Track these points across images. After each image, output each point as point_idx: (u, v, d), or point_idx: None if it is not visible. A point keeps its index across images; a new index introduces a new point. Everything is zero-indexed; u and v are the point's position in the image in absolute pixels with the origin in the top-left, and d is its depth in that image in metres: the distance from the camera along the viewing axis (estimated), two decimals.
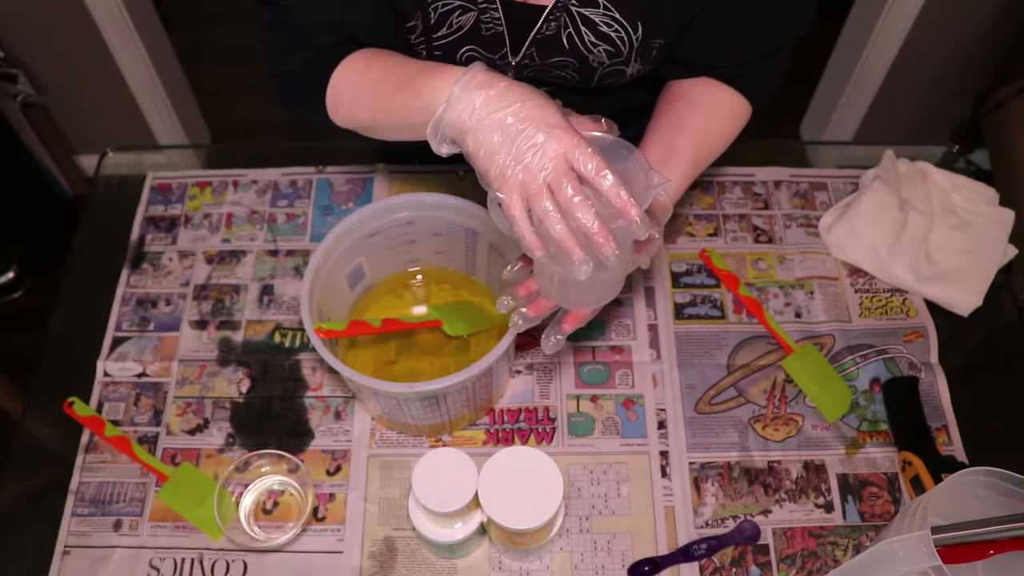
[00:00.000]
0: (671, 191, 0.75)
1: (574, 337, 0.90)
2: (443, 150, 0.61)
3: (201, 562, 0.79)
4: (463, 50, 0.76)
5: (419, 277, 0.92)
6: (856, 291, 0.95)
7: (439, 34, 0.74)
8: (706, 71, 0.80)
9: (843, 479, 0.83)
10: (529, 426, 0.86)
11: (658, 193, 0.64)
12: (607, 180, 0.55)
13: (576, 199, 0.55)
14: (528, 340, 0.91)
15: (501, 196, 0.58)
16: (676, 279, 0.95)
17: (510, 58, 0.76)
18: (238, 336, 0.92)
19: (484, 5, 0.72)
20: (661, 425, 0.86)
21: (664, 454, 0.85)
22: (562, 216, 0.56)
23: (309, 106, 0.75)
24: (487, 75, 0.59)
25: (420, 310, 0.90)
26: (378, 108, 0.68)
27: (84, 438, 0.86)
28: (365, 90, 0.70)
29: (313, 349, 0.81)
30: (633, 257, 0.67)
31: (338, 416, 0.87)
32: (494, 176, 0.58)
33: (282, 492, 0.83)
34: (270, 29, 0.75)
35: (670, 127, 0.78)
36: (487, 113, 0.57)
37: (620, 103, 0.89)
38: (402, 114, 0.65)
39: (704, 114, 0.79)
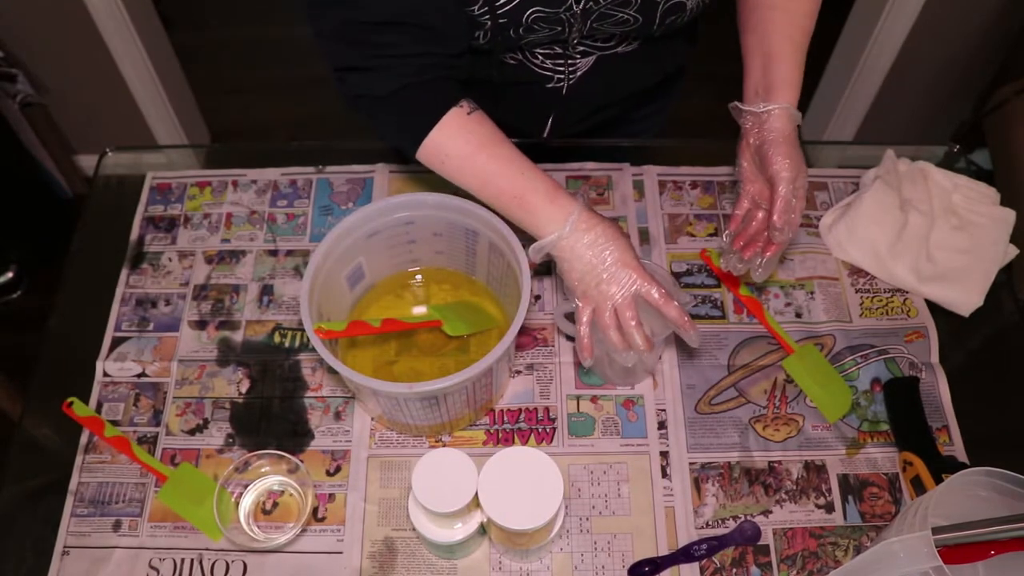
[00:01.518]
0: (791, 92, 0.79)
1: (573, 337, 0.90)
2: (538, 259, 0.77)
3: (200, 562, 0.79)
4: (528, 13, 0.75)
5: (419, 277, 0.92)
6: (857, 291, 0.95)
7: (500, 3, 0.74)
8: None
9: (844, 479, 0.83)
10: (529, 426, 0.86)
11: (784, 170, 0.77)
12: (672, 307, 0.75)
13: (633, 323, 0.74)
14: (528, 340, 0.91)
15: (578, 303, 0.77)
16: (676, 279, 0.95)
17: (575, 7, 0.76)
18: (238, 336, 0.92)
19: None
20: (661, 425, 0.86)
21: (664, 454, 0.84)
22: (615, 330, 0.75)
23: (397, 138, 0.80)
24: (589, 217, 0.74)
25: (420, 310, 0.90)
26: (485, 196, 0.78)
27: (83, 438, 0.86)
28: (470, 175, 0.77)
29: (313, 349, 0.81)
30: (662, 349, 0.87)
31: (338, 416, 0.87)
32: (579, 292, 0.77)
33: (282, 492, 0.83)
34: (340, 43, 0.74)
35: (760, 39, 0.81)
36: (585, 249, 0.74)
37: (670, 60, 0.94)
38: (510, 214, 0.77)
39: (784, 9, 0.81)
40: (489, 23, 0.76)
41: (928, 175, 0.97)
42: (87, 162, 2.16)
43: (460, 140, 0.76)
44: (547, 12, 0.76)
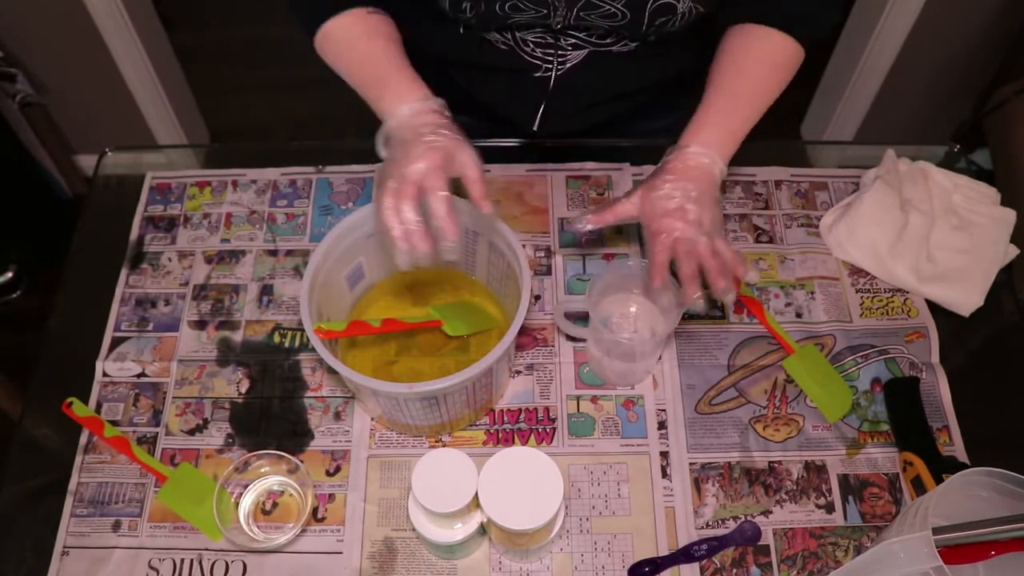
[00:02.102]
0: (728, 145, 0.80)
1: (574, 338, 0.90)
2: (379, 148, 0.75)
3: (200, 563, 0.79)
4: None
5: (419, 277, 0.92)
6: (857, 291, 0.95)
7: None
8: (756, 13, 0.82)
9: (844, 479, 0.83)
10: (529, 426, 0.86)
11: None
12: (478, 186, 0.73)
13: (442, 193, 0.70)
14: (528, 340, 0.91)
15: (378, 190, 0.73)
16: (677, 279, 0.95)
17: None
18: (237, 336, 0.92)
19: None
20: (661, 425, 0.86)
21: (664, 454, 0.84)
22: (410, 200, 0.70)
23: (300, 18, 0.83)
24: (431, 111, 0.74)
25: (420, 310, 0.90)
26: (350, 81, 0.80)
27: (83, 438, 0.86)
28: (343, 62, 0.81)
29: (313, 349, 0.81)
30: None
31: (338, 416, 0.87)
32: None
33: (281, 493, 0.83)
34: None
35: (725, 85, 0.81)
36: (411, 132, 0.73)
37: (673, 61, 0.92)
38: (369, 101, 0.78)
39: (761, 61, 0.82)
40: (470, 11, 0.77)
41: (928, 175, 0.97)
42: (87, 162, 2.15)
43: (347, 30, 0.80)
44: None
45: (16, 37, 1.82)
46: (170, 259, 0.98)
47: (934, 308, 0.94)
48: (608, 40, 0.86)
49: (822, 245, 0.98)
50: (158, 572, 0.79)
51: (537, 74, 0.90)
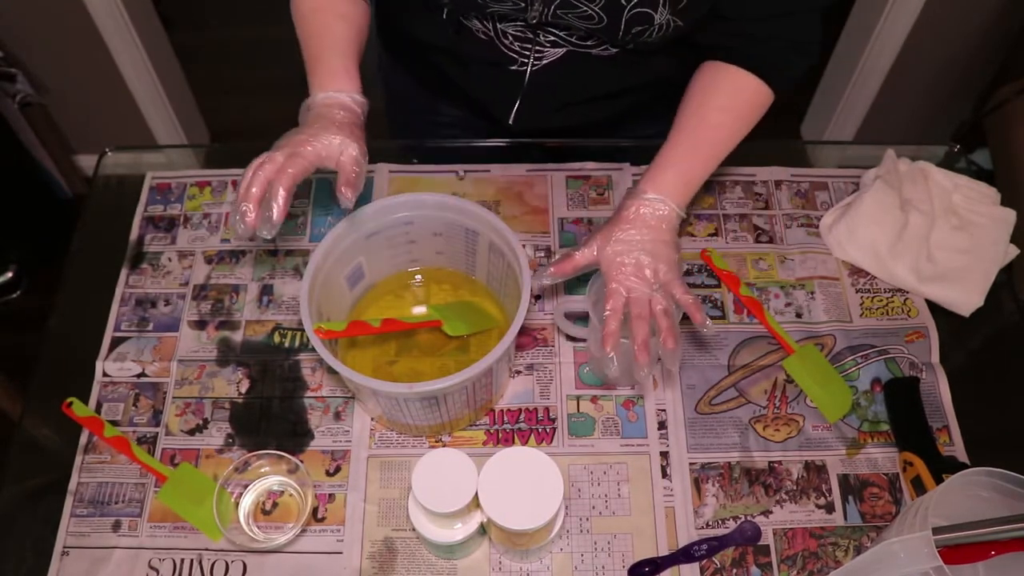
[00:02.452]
0: (685, 192, 0.81)
1: (574, 338, 0.90)
2: (300, 116, 0.78)
3: (200, 563, 0.79)
4: None
5: (419, 277, 0.92)
6: (857, 291, 0.95)
7: None
8: (731, 52, 0.82)
9: (844, 480, 0.83)
10: (529, 426, 0.86)
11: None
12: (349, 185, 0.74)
13: (290, 172, 0.71)
14: (528, 340, 0.91)
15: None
16: None
17: None
18: (237, 336, 0.92)
19: None
20: (661, 425, 0.86)
21: (664, 454, 0.84)
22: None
23: None
24: (335, 103, 0.76)
25: (420, 310, 0.90)
26: (302, 48, 0.82)
27: (83, 438, 0.86)
28: (299, 28, 0.84)
29: (313, 349, 0.81)
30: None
31: (338, 416, 0.87)
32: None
33: (281, 493, 0.83)
34: None
35: (689, 128, 0.82)
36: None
37: (652, 72, 0.91)
38: (306, 68, 0.81)
39: (726, 109, 0.82)
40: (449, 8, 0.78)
41: (928, 175, 0.97)
42: (87, 162, 2.15)
43: (313, 2, 0.82)
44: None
45: (16, 37, 1.82)
46: (170, 259, 0.98)
47: (934, 308, 0.94)
48: (588, 42, 0.86)
49: (822, 245, 0.98)
50: (158, 572, 0.79)
51: (513, 67, 0.90)
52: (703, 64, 0.84)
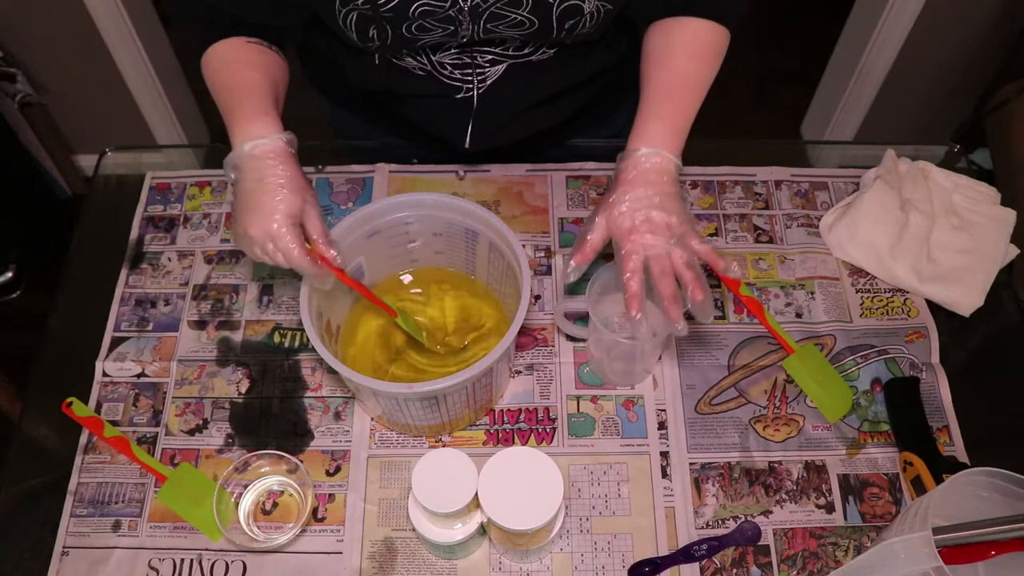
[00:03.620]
0: (674, 139, 0.79)
1: (574, 338, 0.90)
2: (226, 172, 0.77)
3: (200, 563, 0.79)
4: (415, 6, 0.75)
5: (408, 277, 0.91)
6: (857, 291, 0.95)
7: None
8: (668, 6, 0.81)
9: (844, 480, 0.83)
10: (529, 426, 0.86)
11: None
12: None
13: (293, 244, 0.72)
14: (528, 340, 0.91)
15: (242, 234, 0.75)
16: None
17: (462, 3, 0.75)
18: (237, 336, 0.92)
19: None
20: (661, 425, 0.86)
21: (664, 454, 0.84)
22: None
23: (193, 36, 0.83)
24: (271, 152, 0.74)
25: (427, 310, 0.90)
26: (218, 106, 0.80)
27: (83, 438, 0.86)
28: (211, 85, 0.81)
29: (312, 349, 0.81)
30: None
31: (338, 416, 0.87)
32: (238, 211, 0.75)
33: (281, 493, 0.83)
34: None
35: (656, 82, 0.81)
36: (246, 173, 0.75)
37: (593, 65, 0.90)
38: (225, 122, 0.79)
39: (690, 56, 0.81)
40: (371, 14, 0.76)
41: (929, 175, 0.97)
42: (87, 162, 2.15)
43: (223, 56, 0.81)
44: (434, 6, 0.75)
45: (16, 37, 1.82)
46: (170, 259, 0.98)
47: (934, 308, 0.94)
48: (525, 51, 0.85)
49: (822, 245, 0.98)
50: (158, 572, 0.79)
51: (459, 95, 0.88)
52: (650, 27, 0.83)
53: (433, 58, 0.85)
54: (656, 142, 0.77)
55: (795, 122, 2.28)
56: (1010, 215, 0.96)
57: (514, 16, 0.77)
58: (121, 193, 1.05)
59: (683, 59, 0.81)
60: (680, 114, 0.79)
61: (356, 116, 1.06)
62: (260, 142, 0.74)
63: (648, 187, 0.75)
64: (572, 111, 0.97)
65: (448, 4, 0.75)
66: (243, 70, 0.79)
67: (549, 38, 0.80)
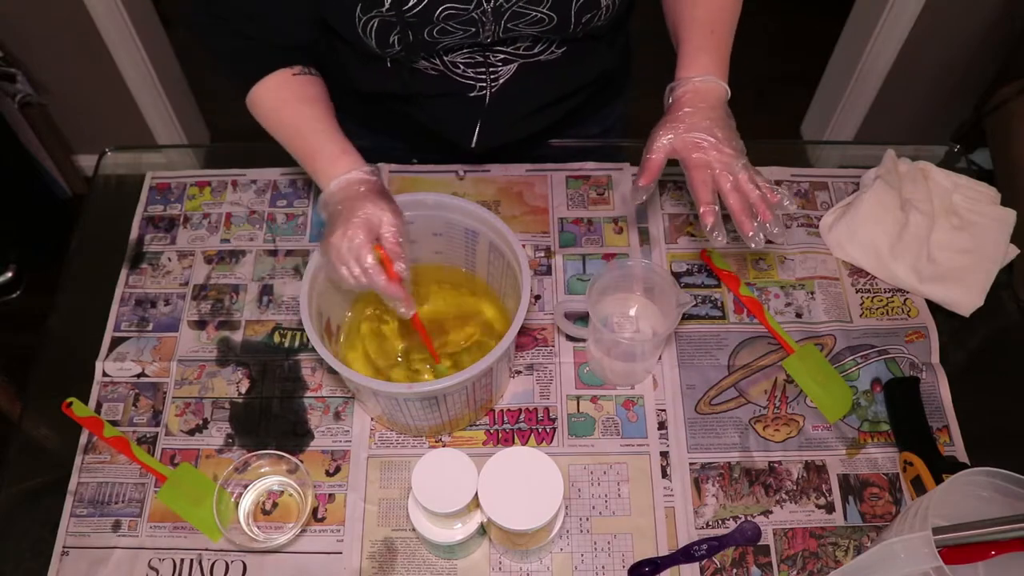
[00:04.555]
0: (722, 67, 0.80)
1: (574, 338, 0.90)
2: (321, 212, 0.78)
3: (200, 563, 0.79)
4: (440, 10, 0.75)
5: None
6: (857, 291, 0.95)
7: (410, 4, 0.74)
8: None
9: (844, 480, 0.83)
10: (529, 426, 0.86)
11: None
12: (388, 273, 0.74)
13: (368, 261, 0.73)
14: (528, 340, 0.91)
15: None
16: (677, 279, 0.95)
17: (485, 5, 0.76)
18: (237, 336, 0.92)
19: None
20: (661, 425, 0.86)
21: (664, 454, 0.84)
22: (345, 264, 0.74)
23: (232, 82, 0.83)
24: (358, 184, 0.76)
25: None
26: (291, 151, 0.82)
27: (83, 438, 0.86)
28: (272, 129, 0.83)
29: (313, 349, 0.81)
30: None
31: (338, 416, 0.87)
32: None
33: (281, 493, 0.83)
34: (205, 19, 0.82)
35: (690, 20, 0.82)
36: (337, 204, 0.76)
37: (597, 63, 0.92)
38: (306, 168, 0.81)
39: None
40: (398, 25, 0.76)
41: (929, 175, 0.97)
42: (86, 162, 2.15)
43: (273, 96, 0.81)
44: (458, 9, 0.76)
45: (16, 37, 1.82)
46: (170, 259, 0.98)
47: (934, 308, 0.94)
48: (536, 50, 0.86)
49: (822, 245, 0.98)
50: (158, 572, 0.79)
51: (472, 94, 0.89)
52: None
53: (446, 59, 0.85)
54: (708, 70, 0.79)
55: (795, 122, 2.28)
56: (1010, 215, 0.96)
57: (534, 13, 0.77)
58: (121, 193, 1.05)
59: None
60: (723, 44, 0.81)
61: (354, 118, 1.05)
62: (345, 177, 0.76)
63: (709, 110, 0.77)
64: (571, 110, 0.97)
65: (472, 6, 0.76)
66: (300, 109, 0.81)
67: (565, 33, 0.81)
